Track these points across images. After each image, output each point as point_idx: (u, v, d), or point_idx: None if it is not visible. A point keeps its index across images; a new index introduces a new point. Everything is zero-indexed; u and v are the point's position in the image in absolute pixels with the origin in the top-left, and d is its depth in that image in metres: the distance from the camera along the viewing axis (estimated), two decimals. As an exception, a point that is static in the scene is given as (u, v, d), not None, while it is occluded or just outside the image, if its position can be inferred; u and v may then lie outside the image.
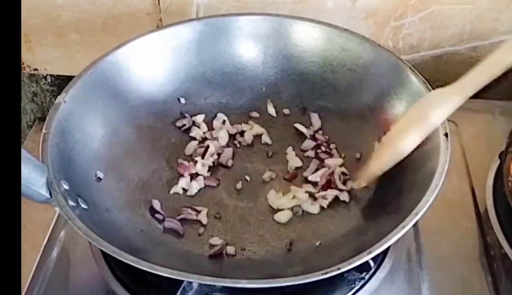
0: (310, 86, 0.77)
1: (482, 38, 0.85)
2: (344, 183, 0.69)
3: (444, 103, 0.61)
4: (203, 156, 0.72)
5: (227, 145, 0.75)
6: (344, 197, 0.68)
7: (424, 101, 0.63)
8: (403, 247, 0.67)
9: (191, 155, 0.74)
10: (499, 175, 0.72)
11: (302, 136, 0.76)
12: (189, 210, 0.67)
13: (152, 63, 0.74)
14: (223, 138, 0.75)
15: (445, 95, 0.62)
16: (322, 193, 0.68)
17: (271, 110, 0.79)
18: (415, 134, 0.62)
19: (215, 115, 0.78)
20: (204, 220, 0.67)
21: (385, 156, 0.64)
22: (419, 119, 0.62)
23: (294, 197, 0.69)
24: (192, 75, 0.77)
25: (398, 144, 0.62)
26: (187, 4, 0.82)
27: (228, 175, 0.72)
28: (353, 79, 0.75)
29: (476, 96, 0.90)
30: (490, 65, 0.60)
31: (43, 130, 0.61)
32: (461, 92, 0.61)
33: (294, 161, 0.73)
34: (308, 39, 0.76)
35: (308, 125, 0.77)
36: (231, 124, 0.77)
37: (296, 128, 0.77)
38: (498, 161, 0.73)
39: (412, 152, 0.63)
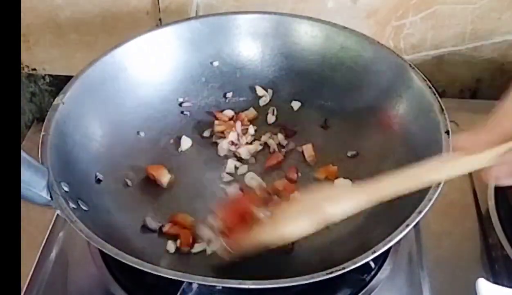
0: (309, 84, 0.77)
1: (484, 38, 0.85)
2: None
3: (346, 200, 0.54)
4: None
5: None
6: None
7: (327, 192, 0.57)
8: (404, 249, 0.67)
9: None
10: (501, 176, 0.71)
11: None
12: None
13: (150, 63, 0.74)
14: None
15: (351, 193, 0.56)
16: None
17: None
18: (304, 222, 0.55)
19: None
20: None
21: (268, 231, 0.57)
22: (313, 209, 0.55)
23: None
24: (191, 74, 0.77)
25: (284, 228, 0.56)
26: (186, 3, 0.82)
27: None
28: (353, 78, 0.74)
29: (476, 96, 0.91)
30: (411, 178, 0.53)
31: (42, 132, 0.61)
32: (369, 194, 0.54)
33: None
34: (306, 37, 0.76)
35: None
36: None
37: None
38: (500, 162, 0.73)
39: (414, 150, 0.63)
